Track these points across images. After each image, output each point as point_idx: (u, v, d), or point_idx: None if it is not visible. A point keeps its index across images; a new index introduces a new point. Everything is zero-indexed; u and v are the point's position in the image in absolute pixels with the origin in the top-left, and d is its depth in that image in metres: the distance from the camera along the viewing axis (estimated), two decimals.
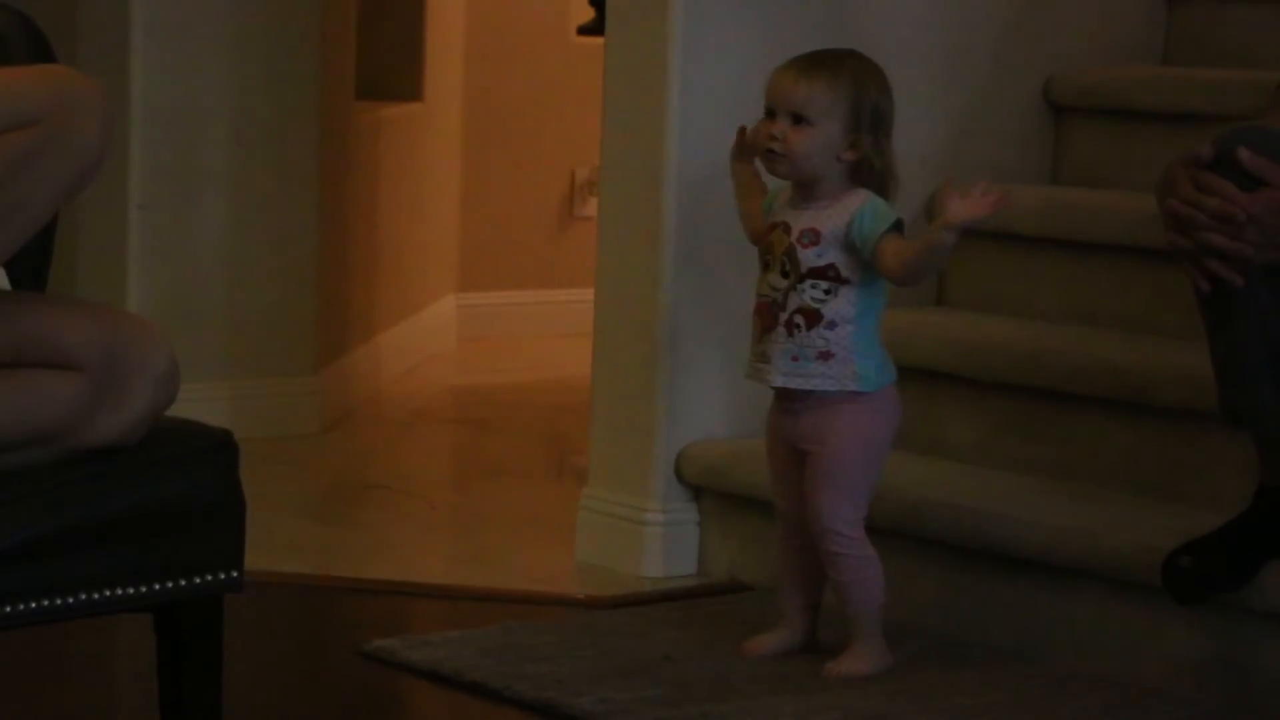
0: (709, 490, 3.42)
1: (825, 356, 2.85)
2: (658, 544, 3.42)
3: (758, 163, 2.93)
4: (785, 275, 2.85)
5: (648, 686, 2.84)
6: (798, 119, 2.81)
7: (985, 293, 3.62)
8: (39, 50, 2.41)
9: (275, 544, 3.47)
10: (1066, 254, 3.50)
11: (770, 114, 2.85)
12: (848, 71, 2.83)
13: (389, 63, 5.22)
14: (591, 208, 5.51)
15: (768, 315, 2.87)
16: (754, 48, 3.44)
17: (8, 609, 2.13)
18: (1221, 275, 2.58)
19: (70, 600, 2.17)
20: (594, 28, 5.45)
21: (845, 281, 2.84)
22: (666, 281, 3.39)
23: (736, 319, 3.46)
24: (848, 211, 2.83)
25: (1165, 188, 2.63)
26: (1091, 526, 2.99)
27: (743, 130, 2.94)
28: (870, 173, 2.86)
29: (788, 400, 2.91)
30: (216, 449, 2.27)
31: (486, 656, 2.94)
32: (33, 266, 2.39)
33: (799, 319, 2.85)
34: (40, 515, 2.14)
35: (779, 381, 2.88)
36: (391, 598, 3.34)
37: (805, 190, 2.87)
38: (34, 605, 2.15)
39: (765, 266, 2.88)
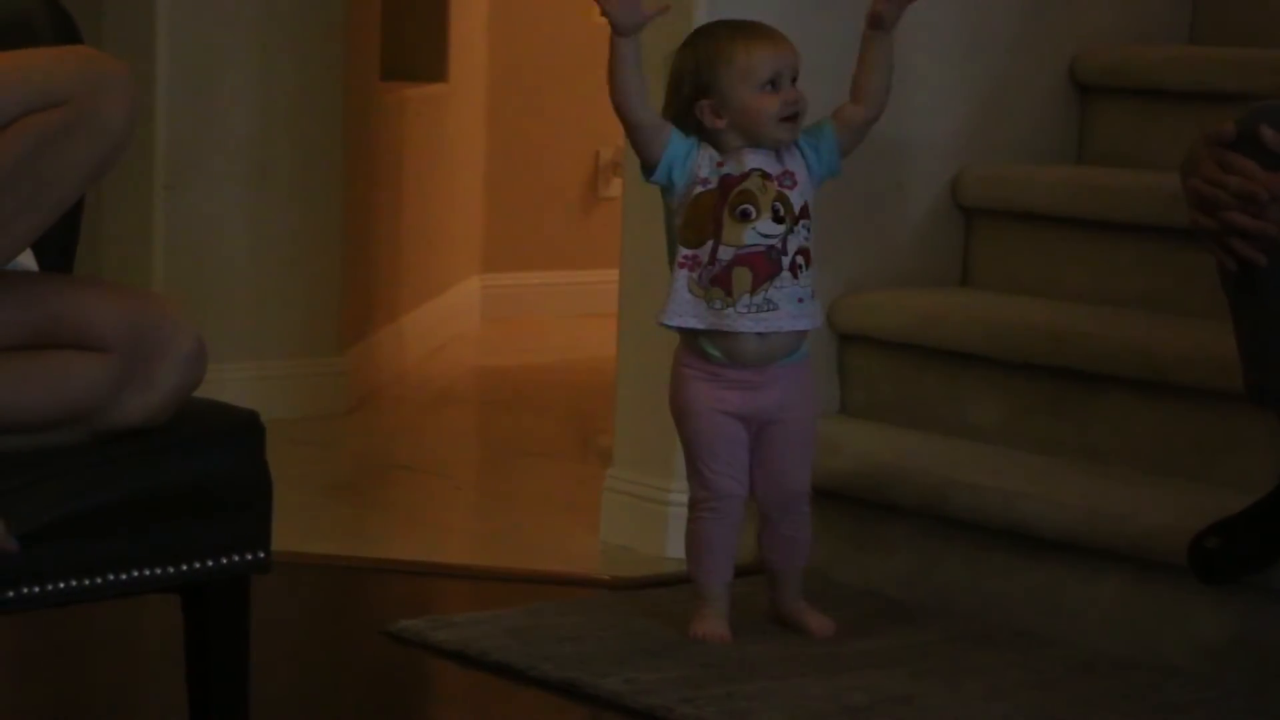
0: None
1: (814, 295, 2.93)
2: (682, 524, 3.41)
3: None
4: (780, 220, 2.88)
5: (673, 667, 2.84)
6: (794, 79, 2.89)
7: (1010, 273, 3.61)
8: (65, 31, 2.41)
9: (301, 524, 3.47)
10: (1092, 234, 3.50)
11: (772, 84, 2.87)
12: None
13: (414, 43, 5.22)
14: (616, 188, 5.51)
15: (765, 263, 2.87)
16: (777, 23, 3.43)
17: (36, 589, 2.14)
18: (1245, 254, 2.57)
19: (98, 580, 2.18)
20: None
21: (810, 218, 2.93)
22: None
23: None
24: (794, 150, 2.91)
25: (1189, 167, 2.62)
26: (1117, 507, 2.98)
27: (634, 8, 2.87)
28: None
29: (747, 372, 2.90)
30: (243, 430, 2.28)
31: (511, 637, 2.94)
32: (60, 247, 2.40)
33: (800, 260, 2.90)
34: (68, 496, 2.15)
35: (788, 325, 2.89)
36: (417, 578, 3.34)
37: (749, 144, 2.89)
38: (62, 585, 2.16)
39: (742, 217, 2.87)
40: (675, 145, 2.88)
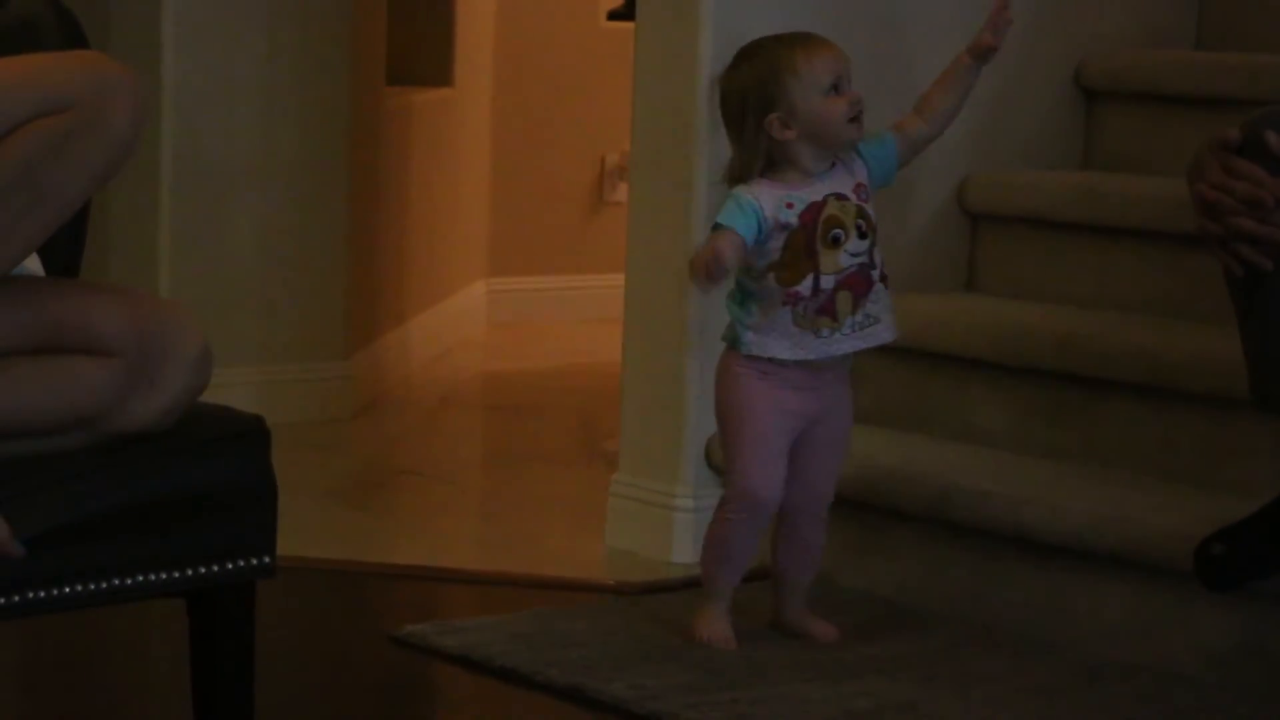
0: None
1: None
2: (688, 530, 3.42)
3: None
4: (864, 235, 2.90)
5: (678, 672, 2.84)
6: (849, 80, 2.93)
7: (1016, 278, 3.61)
8: (72, 36, 2.41)
9: (307, 529, 3.48)
10: (1098, 239, 3.50)
11: (834, 89, 2.89)
12: None
13: (420, 48, 5.23)
14: (621, 193, 5.51)
15: (861, 281, 2.90)
16: (784, 29, 3.43)
17: (41, 594, 2.14)
18: (1251, 260, 2.57)
19: (104, 585, 2.18)
20: (624, 13, 5.45)
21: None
22: None
23: None
24: (857, 161, 2.94)
25: (1195, 172, 2.62)
26: (1122, 513, 2.98)
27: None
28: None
29: (809, 374, 2.91)
30: (249, 434, 2.28)
31: (517, 642, 2.94)
32: (66, 252, 2.40)
33: (886, 271, 2.94)
34: (73, 501, 2.15)
35: (886, 337, 2.93)
36: (422, 583, 3.35)
37: (808, 165, 2.90)
38: (67, 590, 2.16)
39: (833, 243, 2.88)
40: (746, 230, 2.86)
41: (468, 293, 5.55)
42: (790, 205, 2.88)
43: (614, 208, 5.67)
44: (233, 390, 3.77)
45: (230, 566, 2.25)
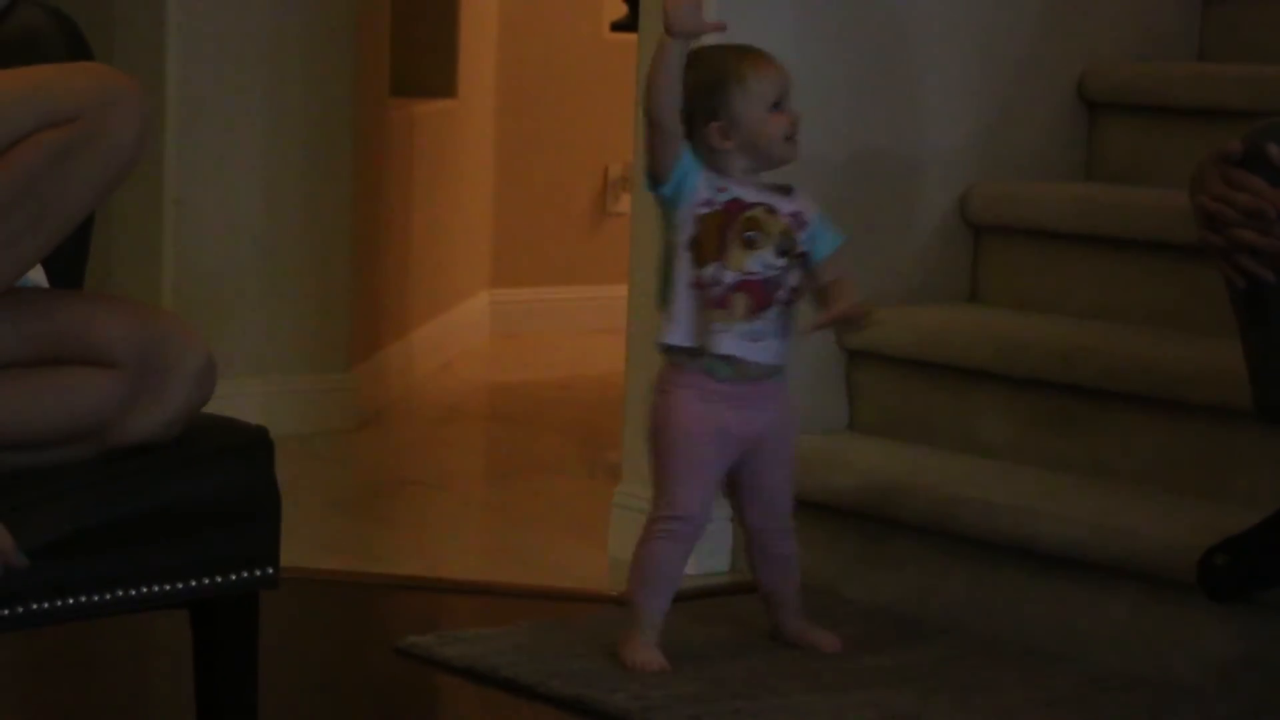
0: None
1: (791, 332, 2.94)
2: None
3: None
4: (783, 254, 2.89)
5: (681, 683, 2.84)
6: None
7: (1018, 290, 3.61)
8: (76, 47, 2.42)
9: (310, 540, 3.48)
10: (1100, 251, 3.50)
11: (776, 105, 2.89)
12: None
13: (423, 59, 5.23)
14: (624, 204, 5.52)
15: (761, 293, 2.88)
16: (788, 43, 3.44)
17: (45, 605, 2.14)
18: (1253, 271, 2.57)
19: (107, 596, 2.18)
20: (627, 24, 5.46)
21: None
22: None
23: None
24: (809, 207, 2.93)
25: (1197, 184, 2.62)
26: (1126, 524, 2.98)
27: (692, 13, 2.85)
28: None
29: (744, 387, 2.90)
30: (252, 446, 2.28)
31: (520, 653, 2.94)
32: (70, 264, 2.40)
33: (790, 296, 2.91)
34: (76, 512, 2.16)
35: (772, 359, 2.90)
36: (426, 594, 3.35)
37: (743, 173, 2.90)
38: (71, 601, 2.16)
39: (747, 244, 2.88)
40: (688, 160, 2.89)
41: (471, 304, 5.55)
42: (722, 189, 2.88)
43: (617, 219, 5.67)
44: (236, 401, 3.77)
45: (234, 578, 2.26)
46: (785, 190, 2.93)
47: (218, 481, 2.25)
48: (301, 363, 4.37)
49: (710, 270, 2.87)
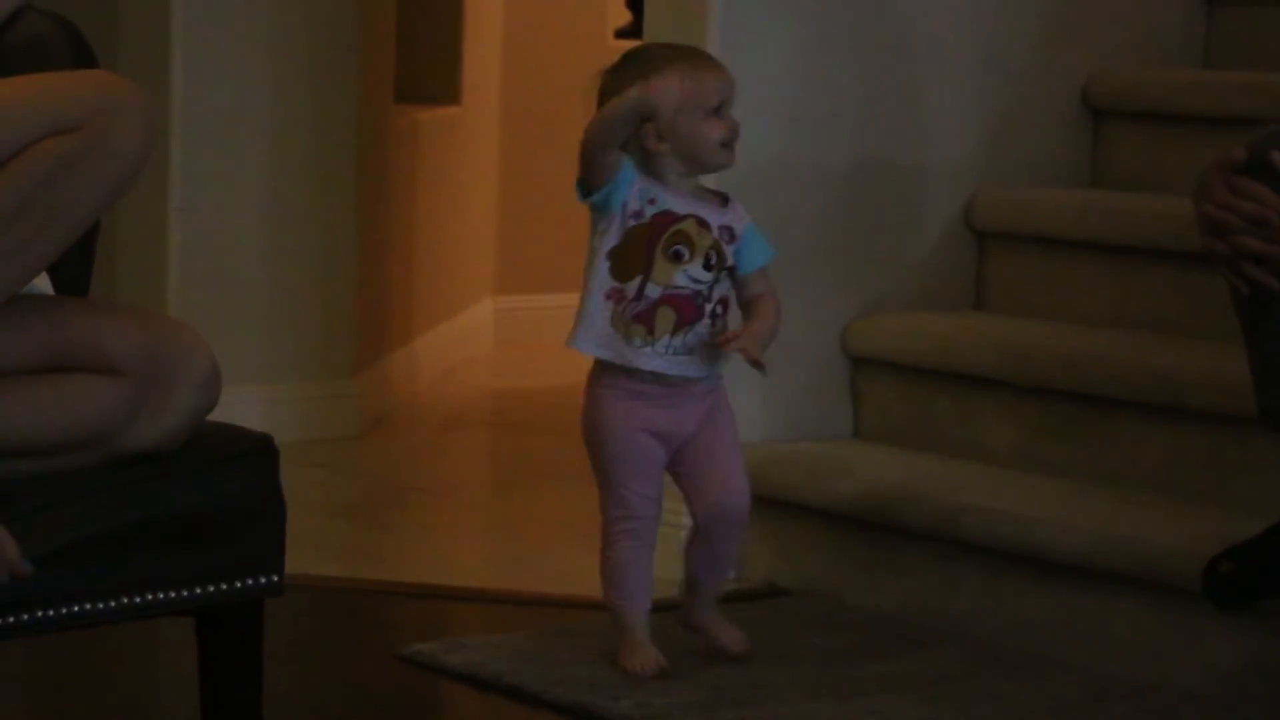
0: None
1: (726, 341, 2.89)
2: None
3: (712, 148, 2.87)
4: (710, 268, 2.85)
5: (685, 691, 2.84)
6: (728, 108, 2.86)
7: (1023, 296, 3.61)
8: (81, 55, 2.42)
9: (314, 547, 3.48)
10: (1105, 258, 3.50)
11: (716, 110, 2.84)
12: None
13: (427, 66, 5.24)
14: None
15: (689, 307, 2.84)
16: (792, 51, 3.44)
17: (50, 612, 2.14)
18: (1257, 279, 2.57)
19: (112, 603, 2.18)
20: (632, 31, 5.46)
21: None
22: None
23: None
24: (742, 220, 2.89)
25: (1201, 192, 2.62)
26: (1131, 532, 2.98)
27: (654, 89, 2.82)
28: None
29: (666, 390, 2.86)
30: (257, 453, 2.28)
31: (524, 660, 2.94)
32: (75, 271, 2.41)
33: (719, 309, 2.87)
34: (82, 519, 2.16)
35: (701, 372, 2.86)
36: (429, 601, 3.35)
37: (677, 178, 2.86)
38: (76, 609, 2.16)
39: (674, 257, 2.83)
40: (625, 173, 2.85)
41: (475, 310, 5.55)
42: (652, 201, 2.85)
43: None
44: (240, 409, 3.76)
45: (239, 585, 2.26)
46: (723, 199, 2.90)
47: (222, 489, 2.25)
48: (305, 370, 4.37)
49: (634, 284, 2.83)
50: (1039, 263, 3.59)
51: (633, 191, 2.84)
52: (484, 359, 5.51)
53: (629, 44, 5.41)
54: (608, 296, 2.84)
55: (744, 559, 3.44)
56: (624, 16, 5.72)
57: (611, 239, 2.85)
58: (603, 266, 2.85)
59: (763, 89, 3.41)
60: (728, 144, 2.85)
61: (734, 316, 2.92)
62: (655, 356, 2.84)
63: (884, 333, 3.51)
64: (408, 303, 4.89)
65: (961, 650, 3.05)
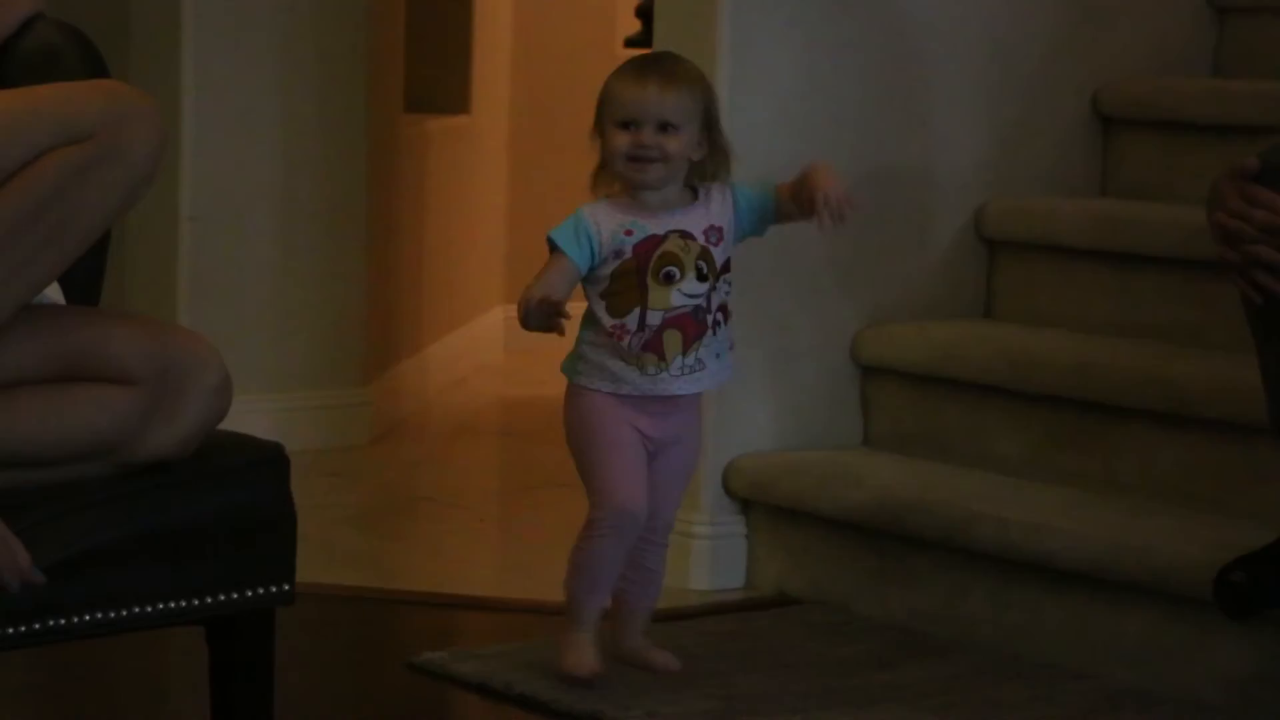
0: (757, 503, 3.42)
1: (732, 347, 2.87)
2: (705, 557, 3.42)
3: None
4: (704, 278, 2.82)
5: (696, 699, 2.84)
6: (664, 126, 2.81)
7: (1034, 305, 3.61)
8: (93, 65, 2.42)
9: (325, 556, 3.48)
10: (1115, 266, 3.49)
11: (627, 125, 2.82)
12: (695, 76, 2.85)
13: (437, 76, 5.24)
14: None
15: (693, 323, 2.82)
16: (801, 59, 3.44)
17: (61, 621, 2.15)
18: (1269, 287, 2.57)
19: (123, 613, 2.18)
20: (641, 40, 5.46)
21: (730, 271, 2.86)
22: None
23: (785, 331, 3.47)
24: (726, 204, 2.84)
25: (1213, 201, 2.62)
26: (1142, 541, 2.97)
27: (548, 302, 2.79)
28: (703, 166, 2.85)
29: (657, 402, 2.85)
30: (268, 462, 2.28)
31: (535, 669, 2.94)
32: (86, 280, 2.41)
33: (720, 316, 2.85)
34: (93, 528, 2.16)
35: (712, 384, 2.86)
36: (440, 610, 3.34)
37: (652, 195, 2.83)
38: (87, 618, 2.16)
39: (666, 280, 2.81)
40: (579, 255, 2.82)
41: (485, 319, 5.55)
42: (629, 233, 2.81)
43: None
44: (251, 417, 3.77)
45: (249, 594, 2.26)
46: (693, 195, 2.83)
47: (233, 498, 2.25)
48: (316, 379, 4.37)
49: (634, 317, 2.81)
50: (1049, 272, 3.59)
51: (603, 238, 2.82)
52: (494, 368, 5.51)
53: (638, 53, 5.42)
54: (610, 334, 2.82)
55: (755, 567, 3.44)
56: (633, 25, 5.73)
57: (603, 284, 2.83)
58: (599, 307, 2.83)
59: (771, 98, 3.41)
60: (635, 158, 2.80)
61: (735, 325, 2.90)
62: (672, 380, 2.83)
63: (894, 342, 3.50)
64: (418, 312, 4.89)
65: (971, 659, 3.04)
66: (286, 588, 2.28)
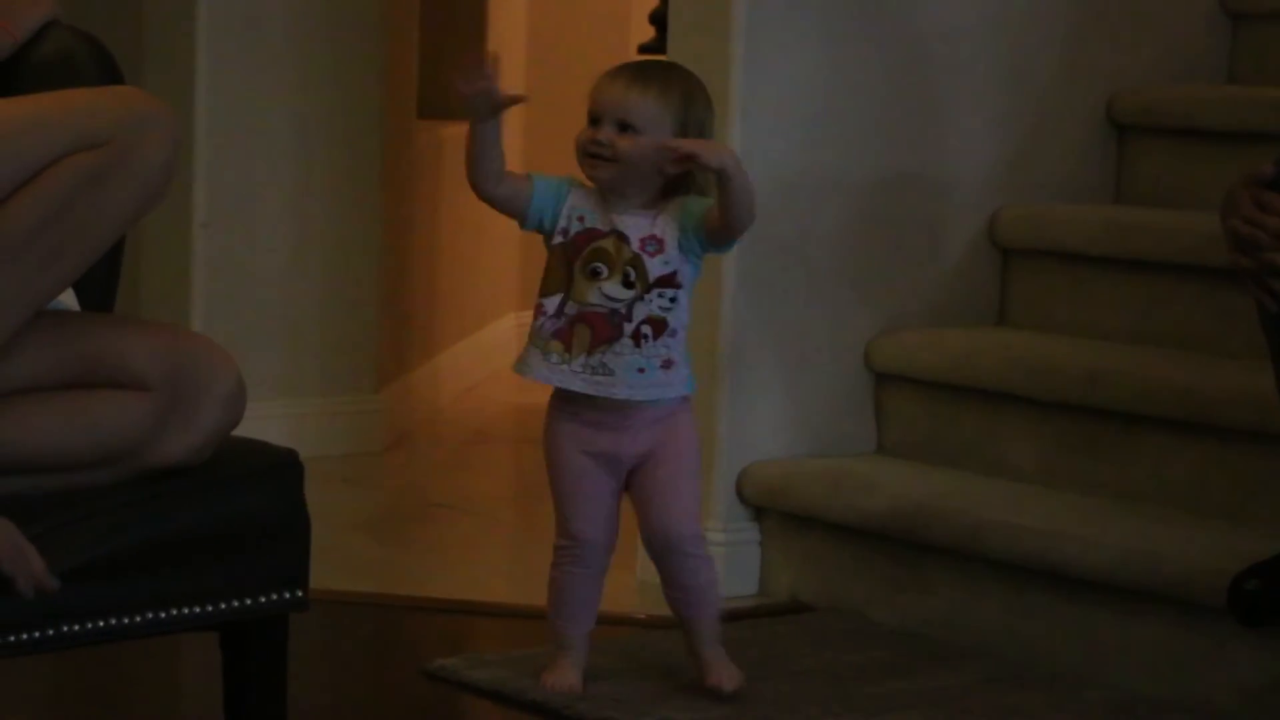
0: (770, 510, 3.42)
1: (668, 365, 2.80)
2: (719, 563, 3.41)
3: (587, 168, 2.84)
4: (629, 285, 2.79)
5: (710, 707, 2.83)
6: (624, 126, 2.80)
7: (1047, 312, 3.60)
8: (108, 71, 2.43)
9: (338, 563, 3.48)
10: (1129, 274, 3.49)
11: (594, 120, 2.82)
12: (678, 85, 2.82)
13: (451, 82, 5.24)
14: None
15: (604, 326, 2.79)
16: (815, 66, 3.44)
17: (75, 627, 2.15)
18: None
19: (137, 619, 2.18)
20: (655, 46, 5.46)
21: (681, 288, 2.81)
22: (726, 300, 3.39)
23: (798, 338, 3.47)
24: (675, 218, 2.80)
25: (1227, 207, 2.62)
26: (1155, 548, 2.97)
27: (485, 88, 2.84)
28: (690, 183, 2.82)
29: (605, 414, 2.82)
30: (282, 468, 2.28)
31: None
32: (101, 287, 2.41)
33: (647, 329, 2.79)
34: (107, 535, 2.16)
35: (624, 394, 2.79)
36: (454, 617, 3.34)
37: (618, 198, 2.82)
38: (101, 624, 2.16)
39: (593, 275, 2.79)
40: (540, 195, 2.83)
41: (498, 326, 5.55)
42: (580, 219, 2.82)
43: None
44: (264, 424, 3.77)
45: (263, 600, 2.26)
46: (653, 209, 2.81)
47: (247, 504, 2.25)
48: (329, 385, 4.37)
49: (555, 300, 2.80)
50: (1063, 278, 3.59)
51: (563, 209, 2.82)
52: (507, 374, 5.48)
53: (651, 59, 5.42)
54: (535, 313, 2.81)
55: (768, 574, 3.44)
56: (647, 32, 5.72)
57: (549, 255, 2.83)
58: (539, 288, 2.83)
59: (785, 104, 3.41)
60: (592, 155, 2.80)
61: (690, 335, 2.85)
62: (572, 375, 2.79)
63: (907, 348, 3.50)
64: (431, 318, 4.89)
65: (985, 666, 3.04)
66: (300, 594, 2.28)
